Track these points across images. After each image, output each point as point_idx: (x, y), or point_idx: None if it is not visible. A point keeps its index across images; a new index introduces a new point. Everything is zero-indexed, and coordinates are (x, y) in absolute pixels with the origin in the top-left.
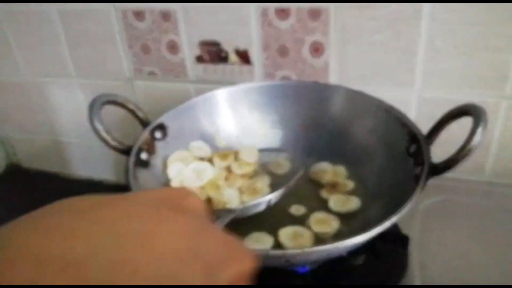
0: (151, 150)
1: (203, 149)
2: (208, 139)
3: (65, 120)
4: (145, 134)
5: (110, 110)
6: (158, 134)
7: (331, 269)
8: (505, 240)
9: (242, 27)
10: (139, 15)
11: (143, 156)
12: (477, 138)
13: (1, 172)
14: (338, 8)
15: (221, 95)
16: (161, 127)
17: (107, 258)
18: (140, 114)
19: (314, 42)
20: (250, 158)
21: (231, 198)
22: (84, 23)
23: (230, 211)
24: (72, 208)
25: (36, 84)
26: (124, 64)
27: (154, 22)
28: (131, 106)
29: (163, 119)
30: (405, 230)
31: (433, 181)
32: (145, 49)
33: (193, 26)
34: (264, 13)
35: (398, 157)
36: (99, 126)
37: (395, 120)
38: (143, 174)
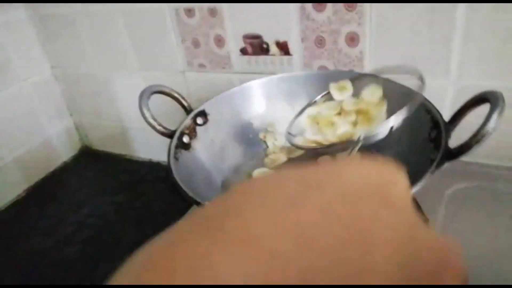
0: (192, 134)
1: None
2: (244, 125)
3: (129, 108)
4: (187, 120)
5: (161, 100)
6: (199, 120)
7: None
8: None
9: (282, 21)
10: (189, 12)
11: (185, 139)
12: (491, 124)
13: (76, 153)
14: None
15: (256, 86)
16: (203, 114)
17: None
18: (184, 103)
19: (349, 32)
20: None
21: (347, 131)
22: (143, 22)
23: (356, 141)
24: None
25: (104, 76)
26: (177, 58)
27: (202, 18)
28: (176, 95)
29: (204, 106)
30: (429, 214)
31: (462, 167)
32: (196, 43)
33: (237, 21)
34: (302, 7)
35: (421, 143)
36: (147, 113)
37: (421, 107)
38: (184, 155)
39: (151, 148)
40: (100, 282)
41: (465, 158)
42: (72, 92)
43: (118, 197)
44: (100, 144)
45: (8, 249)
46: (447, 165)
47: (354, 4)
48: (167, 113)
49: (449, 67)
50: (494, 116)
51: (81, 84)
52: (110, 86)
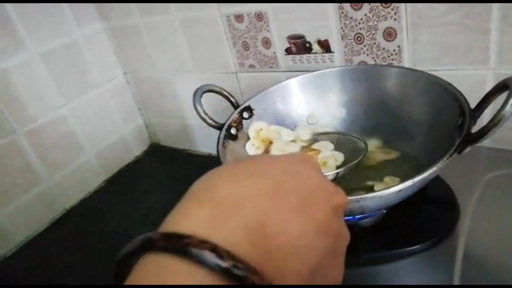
0: (239, 126)
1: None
2: (284, 119)
3: (189, 107)
4: (234, 114)
5: (213, 98)
6: (246, 114)
7: (375, 226)
8: None
9: (322, 20)
10: (239, 17)
11: (233, 131)
12: (508, 108)
13: (146, 148)
14: None
15: (294, 83)
16: (248, 109)
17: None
18: (232, 99)
19: (387, 27)
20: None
21: None
22: (199, 29)
23: None
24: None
25: (167, 78)
26: (230, 60)
27: (250, 22)
28: (225, 93)
29: (249, 102)
30: (461, 200)
31: (501, 154)
32: (245, 46)
33: (281, 23)
34: (340, 7)
35: (449, 130)
36: (199, 109)
37: (451, 96)
38: (231, 145)
39: (210, 143)
40: None
41: (504, 146)
42: (142, 94)
43: (181, 186)
44: (166, 140)
45: (89, 229)
46: (471, 150)
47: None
48: (220, 109)
49: (487, 56)
50: (511, 101)
51: (148, 87)
52: (172, 88)
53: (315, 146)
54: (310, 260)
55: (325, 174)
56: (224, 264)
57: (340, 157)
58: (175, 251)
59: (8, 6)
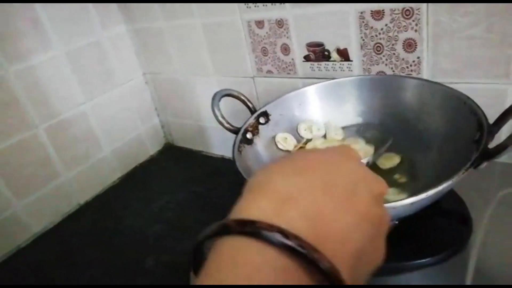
0: (255, 131)
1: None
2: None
3: (206, 109)
4: (251, 119)
5: (231, 103)
6: (262, 120)
7: (387, 238)
8: None
9: (342, 29)
10: (260, 23)
11: (248, 135)
12: None
13: (161, 148)
14: (430, 6)
15: (311, 90)
16: (265, 114)
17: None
18: (249, 104)
19: (407, 38)
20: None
21: None
22: (220, 33)
23: None
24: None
25: (186, 80)
26: (248, 65)
27: (271, 29)
28: (242, 98)
29: (266, 108)
30: (475, 215)
31: None
32: (264, 52)
33: (301, 30)
34: (361, 16)
35: (466, 144)
36: (217, 112)
37: (469, 110)
38: (246, 148)
39: (224, 146)
40: (176, 258)
41: None
42: (159, 94)
43: (194, 187)
44: (181, 141)
45: (102, 225)
46: (487, 165)
47: (411, 11)
48: (236, 113)
49: (509, 70)
50: None
51: (166, 88)
52: (190, 90)
53: (347, 141)
54: (356, 243)
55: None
56: (290, 243)
57: (370, 150)
58: (249, 234)
59: (38, 6)
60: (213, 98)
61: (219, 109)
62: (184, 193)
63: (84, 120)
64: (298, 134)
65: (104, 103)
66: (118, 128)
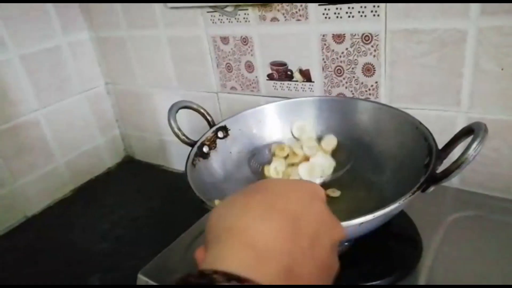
0: (212, 145)
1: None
2: (260, 141)
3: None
4: (209, 133)
5: (192, 117)
6: (220, 134)
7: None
8: None
9: (305, 50)
10: (225, 39)
11: (205, 149)
12: (471, 152)
13: (120, 161)
14: (388, 33)
15: (271, 108)
16: (224, 129)
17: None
18: (209, 118)
19: (366, 63)
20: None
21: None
22: (185, 47)
23: None
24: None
25: (148, 93)
26: (212, 80)
27: (236, 45)
28: (202, 111)
29: (225, 122)
30: (425, 238)
31: (468, 196)
32: (229, 68)
33: (265, 49)
34: (323, 39)
35: (417, 169)
36: (173, 124)
37: (421, 135)
38: (201, 162)
39: (185, 161)
40: (124, 274)
41: (473, 188)
42: (121, 106)
43: (151, 202)
44: (141, 154)
45: (49, 240)
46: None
47: (370, 37)
48: (198, 129)
49: (459, 99)
50: (474, 144)
51: (128, 99)
52: (153, 103)
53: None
54: None
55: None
56: None
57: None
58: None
59: None
60: (170, 109)
61: (175, 121)
62: (139, 209)
63: (37, 128)
64: (292, 133)
65: (60, 111)
66: (74, 138)
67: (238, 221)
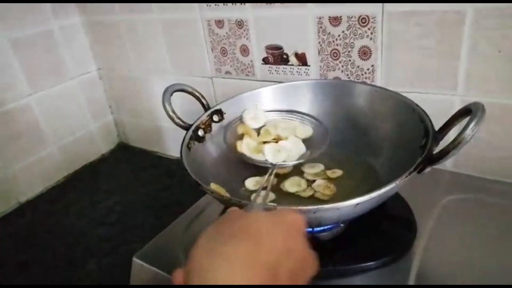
0: (207, 129)
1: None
2: None
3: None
4: (204, 116)
5: (187, 100)
6: (216, 117)
7: (333, 240)
8: None
9: (301, 33)
10: (219, 23)
11: (200, 132)
12: (468, 131)
13: (114, 147)
14: (385, 16)
15: (267, 91)
16: (219, 112)
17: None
18: (204, 101)
19: (362, 46)
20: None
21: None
22: (179, 31)
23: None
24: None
25: (142, 78)
26: (207, 64)
27: (231, 29)
28: (197, 94)
29: (221, 105)
30: (420, 220)
31: (462, 179)
32: (223, 52)
33: (261, 32)
34: (319, 21)
35: (414, 150)
36: (168, 107)
37: (417, 117)
38: (196, 146)
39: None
40: (119, 261)
41: (467, 171)
42: (114, 91)
43: (145, 188)
44: (135, 140)
45: (44, 226)
46: (430, 169)
47: (367, 19)
48: (194, 114)
49: (456, 82)
50: (471, 124)
51: (122, 85)
52: (147, 88)
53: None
54: None
55: (291, 163)
56: None
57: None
58: None
59: None
60: (165, 92)
61: (170, 104)
62: (133, 195)
63: (29, 113)
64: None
65: (52, 96)
66: (67, 124)
67: (219, 273)
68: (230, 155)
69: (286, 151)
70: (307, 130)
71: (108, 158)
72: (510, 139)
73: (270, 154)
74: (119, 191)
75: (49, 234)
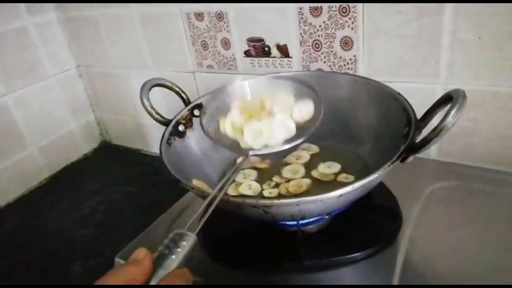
0: (188, 124)
1: None
2: None
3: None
4: (184, 111)
5: (168, 96)
6: (197, 112)
7: (319, 232)
8: (504, 230)
9: (282, 25)
10: (199, 16)
11: (180, 128)
12: (449, 119)
13: (96, 146)
14: (365, 5)
15: (248, 84)
16: (200, 106)
17: None
18: (184, 96)
19: (344, 36)
20: None
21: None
22: (159, 25)
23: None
24: None
25: (123, 74)
26: (188, 59)
27: (211, 22)
28: (176, 89)
29: (201, 100)
30: (405, 210)
31: (446, 167)
32: (204, 46)
33: (242, 24)
34: (300, 12)
35: (396, 139)
36: (146, 103)
37: (400, 106)
38: (177, 142)
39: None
40: (105, 262)
41: (451, 159)
42: (94, 89)
43: (130, 187)
44: (118, 139)
45: (26, 229)
46: (413, 158)
47: (348, 9)
48: (174, 108)
49: (438, 70)
50: (453, 111)
51: (102, 82)
52: (128, 85)
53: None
54: None
55: (291, 144)
56: None
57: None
58: None
59: None
60: (143, 87)
61: (148, 99)
62: (118, 194)
63: (5, 114)
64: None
65: (29, 95)
66: (46, 124)
67: None
68: (213, 151)
69: (268, 133)
70: (307, 110)
71: (91, 157)
72: (493, 126)
73: (249, 136)
74: (103, 190)
75: (32, 237)
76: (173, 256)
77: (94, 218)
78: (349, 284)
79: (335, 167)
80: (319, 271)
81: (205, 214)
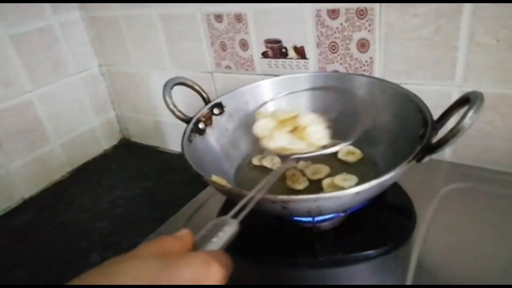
0: (208, 122)
1: None
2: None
3: (164, 104)
4: (204, 109)
5: (188, 94)
6: (216, 110)
7: (333, 229)
8: None
9: (299, 27)
10: (219, 17)
11: (201, 125)
12: (467, 120)
13: (116, 143)
14: (383, 7)
15: (266, 85)
16: (219, 105)
17: None
18: (204, 94)
19: (360, 38)
20: None
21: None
22: (179, 26)
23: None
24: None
25: (143, 74)
26: (207, 59)
27: (230, 23)
28: (197, 88)
29: (221, 99)
30: (419, 209)
31: (461, 169)
32: (223, 47)
33: (260, 26)
34: (318, 14)
35: (412, 140)
36: (169, 100)
37: (416, 107)
38: (198, 139)
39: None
40: (123, 252)
41: (466, 162)
42: (115, 87)
43: (147, 182)
44: (137, 136)
45: (48, 220)
46: (428, 159)
47: (365, 11)
48: (195, 108)
49: (454, 72)
50: (470, 113)
51: (123, 81)
52: (147, 84)
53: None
54: None
55: (327, 150)
56: None
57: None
58: None
59: None
60: (165, 85)
61: (170, 97)
62: (136, 189)
63: (30, 110)
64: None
65: (54, 93)
66: (69, 121)
67: None
68: (231, 148)
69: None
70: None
71: (111, 154)
72: (508, 129)
73: (284, 140)
74: (122, 185)
75: (53, 228)
76: (215, 239)
77: (112, 211)
78: (365, 279)
79: (352, 180)
80: (334, 266)
81: (245, 207)
